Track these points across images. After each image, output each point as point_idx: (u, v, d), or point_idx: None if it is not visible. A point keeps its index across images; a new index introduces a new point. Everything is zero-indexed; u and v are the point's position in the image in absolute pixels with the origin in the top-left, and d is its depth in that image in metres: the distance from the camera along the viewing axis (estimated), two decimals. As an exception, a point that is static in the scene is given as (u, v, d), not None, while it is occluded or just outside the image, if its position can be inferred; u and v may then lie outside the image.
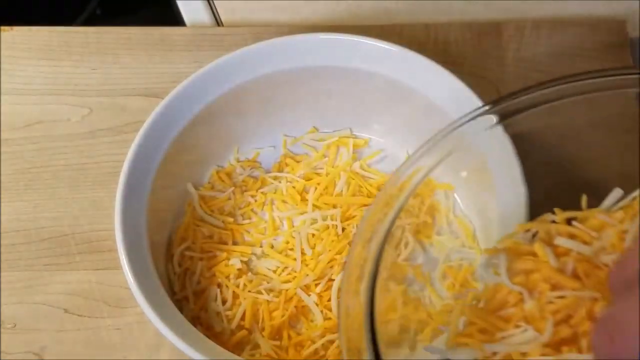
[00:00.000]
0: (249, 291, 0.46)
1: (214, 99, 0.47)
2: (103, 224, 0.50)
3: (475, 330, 0.32)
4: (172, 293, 0.46)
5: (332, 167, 0.50)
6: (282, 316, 0.45)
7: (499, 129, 0.36)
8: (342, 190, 0.49)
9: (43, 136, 0.53)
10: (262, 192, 0.49)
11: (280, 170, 0.50)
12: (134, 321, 0.46)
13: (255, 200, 0.49)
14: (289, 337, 0.44)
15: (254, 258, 0.48)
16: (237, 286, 0.46)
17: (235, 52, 0.47)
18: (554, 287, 0.31)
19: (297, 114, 0.51)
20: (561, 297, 0.31)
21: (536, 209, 0.42)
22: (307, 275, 0.46)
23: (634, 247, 0.30)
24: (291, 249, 0.47)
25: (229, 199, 0.49)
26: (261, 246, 0.48)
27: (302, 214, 0.48)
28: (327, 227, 0.47)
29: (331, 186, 0.49)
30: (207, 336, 0.41)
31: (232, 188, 0.49)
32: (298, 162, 0.51)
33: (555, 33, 0.55)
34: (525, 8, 0.57)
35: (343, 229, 0.47)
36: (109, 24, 0.58)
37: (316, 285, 0.46)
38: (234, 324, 0.45)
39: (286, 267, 0.47)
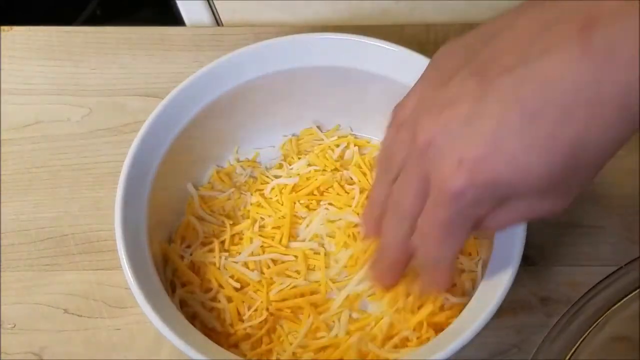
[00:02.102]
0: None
1: (214, 98, 0.47)
2: (103, 224, 0.49)
3: None
4: (172, 293, 0.46)
5: (332, 166, 0.50)
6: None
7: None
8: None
9: (43, 136, 0.53)
10: (261, 193, 0.49)
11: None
12: (134, 321, 0.46)
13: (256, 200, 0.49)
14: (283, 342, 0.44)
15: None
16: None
17: (235, 52, 0.47)
18: None
19: (297, 114, 0.50)
20: None
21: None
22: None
23: None
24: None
25: (229, 199, 0.49)
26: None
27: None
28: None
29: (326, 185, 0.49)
30: (207, 336, 0.41)
31: (232, 189, 0.49)
32: (298, 159, 0.50)
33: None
34: (526, 8, 0.56)
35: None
36: (109, 24, 0.58)
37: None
38: (233, 324, 0.44)
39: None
